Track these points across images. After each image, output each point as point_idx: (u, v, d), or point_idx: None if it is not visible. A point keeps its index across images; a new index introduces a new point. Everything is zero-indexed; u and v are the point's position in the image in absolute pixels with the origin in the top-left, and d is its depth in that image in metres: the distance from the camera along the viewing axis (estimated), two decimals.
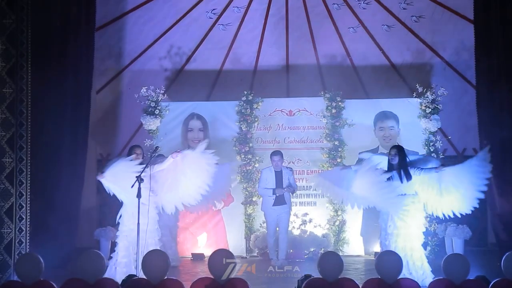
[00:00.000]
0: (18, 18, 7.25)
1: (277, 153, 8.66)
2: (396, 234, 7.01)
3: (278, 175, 8.56)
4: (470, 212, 7.12)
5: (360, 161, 7.73)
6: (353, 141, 9.88)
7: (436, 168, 7.00)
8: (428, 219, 9.60)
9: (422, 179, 7.07)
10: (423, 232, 7.23)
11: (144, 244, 6.73)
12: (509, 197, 8.08)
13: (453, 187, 6.97)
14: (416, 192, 7.07)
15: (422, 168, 7.06)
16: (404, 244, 6.96)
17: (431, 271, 6.98)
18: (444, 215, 7.26)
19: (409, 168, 7.04)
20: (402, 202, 6.92)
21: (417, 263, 6.96)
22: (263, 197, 8.83)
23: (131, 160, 7.00)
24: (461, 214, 7.18)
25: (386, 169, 7.12)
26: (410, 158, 7.23)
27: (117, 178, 6.87)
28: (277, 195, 8.51)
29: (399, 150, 7.14)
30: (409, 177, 6.99)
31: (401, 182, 6.98)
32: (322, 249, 9.41)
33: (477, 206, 7.05)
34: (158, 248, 6.66)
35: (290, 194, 8.67)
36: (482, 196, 7.00)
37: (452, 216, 7.28)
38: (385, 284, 4.64)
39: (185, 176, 7.18)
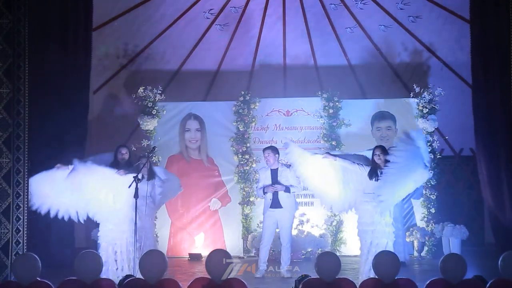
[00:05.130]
0: (15, 18, 7.22)
1: (267, 148, 7.98)
2: (370, 230, 6.95)
3: (274, 174, 7.81)
4: None
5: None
6: (350, 141, 9.88)
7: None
8: (426, 219, 9.66)
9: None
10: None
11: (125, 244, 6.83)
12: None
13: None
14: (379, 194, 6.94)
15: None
16: (377, 240, 6.91)
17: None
18: None
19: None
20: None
21: None
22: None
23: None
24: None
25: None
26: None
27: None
28: (266, 192, 7.76)
29: (384, 150, 7.04)
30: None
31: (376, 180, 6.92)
32: (320, 249, 9.43)
33: None
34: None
35: (291, 196, 7.80)
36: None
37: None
38: (382, 283, 4.64)
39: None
